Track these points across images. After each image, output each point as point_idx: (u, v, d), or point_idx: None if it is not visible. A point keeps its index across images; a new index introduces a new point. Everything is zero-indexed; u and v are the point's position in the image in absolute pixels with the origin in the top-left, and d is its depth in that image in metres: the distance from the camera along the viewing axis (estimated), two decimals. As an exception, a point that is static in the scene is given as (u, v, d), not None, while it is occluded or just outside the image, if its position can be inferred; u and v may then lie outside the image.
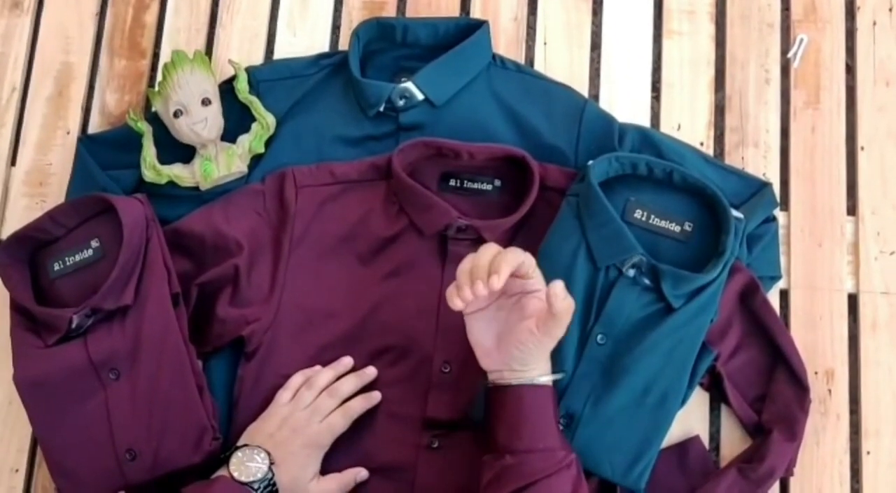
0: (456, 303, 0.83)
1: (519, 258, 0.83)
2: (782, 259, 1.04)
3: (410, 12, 1.14)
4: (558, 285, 0.83)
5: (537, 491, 0.83)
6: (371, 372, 0.97)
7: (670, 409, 0.94)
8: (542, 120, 1.05)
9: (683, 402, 0.96)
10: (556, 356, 0.92)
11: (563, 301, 0.83)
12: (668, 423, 0.94)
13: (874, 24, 1.12)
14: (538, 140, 1.04)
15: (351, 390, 0.96)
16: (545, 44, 1.12)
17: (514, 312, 0.87)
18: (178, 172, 1.03)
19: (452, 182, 1.02)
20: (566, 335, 0.92)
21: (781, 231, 1.05)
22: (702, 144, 1.08)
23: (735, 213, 0.96)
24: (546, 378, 0.87)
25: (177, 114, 1.02)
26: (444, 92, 1.04)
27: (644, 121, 1.09)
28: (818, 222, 1.06)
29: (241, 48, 1.13)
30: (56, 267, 0.98)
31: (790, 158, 1.08)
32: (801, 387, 0.97)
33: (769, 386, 0.98)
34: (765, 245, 1.02)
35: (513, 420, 0.86)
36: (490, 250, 0.84)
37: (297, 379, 0.97)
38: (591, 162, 0.97)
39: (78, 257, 0.98)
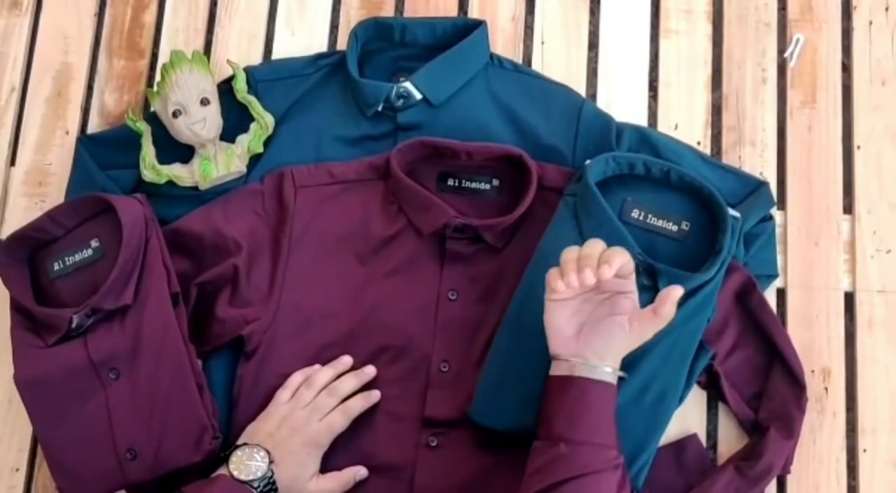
0: (559, 286, 0.83)
1: (626, 256, 0.83)
2: (779, 258, 1.04)
3: (409, 12, 1.14)
4: (678, 291, 0.84)
5: (584, 485, 0.82)
6: (370, 371, 0.97)
7: (668, 407, 0.94)
8: (540, 119, 1.05)
9: (681, 400, 0.97)
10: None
11: (673, 307, 0.84)
12: (666, 421, 0.95)
13: (870, 23, 1.12)
14: (536, 140, 1.04)
15: (350, 389, 0.96)
16: (543, 43, 1.13)
17: (602, 307, 0.87)
18: (177, 172, 1.04)
19: (450, 182, 1.02)
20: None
21: (778, 230, 1.05)
22: (699, 143, 1.09)
23: (732, 212, 0.96)
24: (610, 375, 0.86)
25: (175, 114, 1.02)
26: (443, 92, 1.05)
27: (641, 120, 1.09)
28: (815, 221, 1.06)
29: (239, 48, 1.13)
30: (56, 267, 0.98)
31: (787, 157, 1.08)
32: (797, 385, 0.97)
33: (766, 384, 0.98)
34: (762, 244, 1.02)
35: (574, 410, 0.85)
36: (597, 244, 0.84)
37: (296, 378, 0.97)
38: (588, 162, 0.97)
39: (77, 257, 0.98)
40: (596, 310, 0.87)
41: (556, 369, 0.87)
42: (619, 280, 0.85)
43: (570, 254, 0.85)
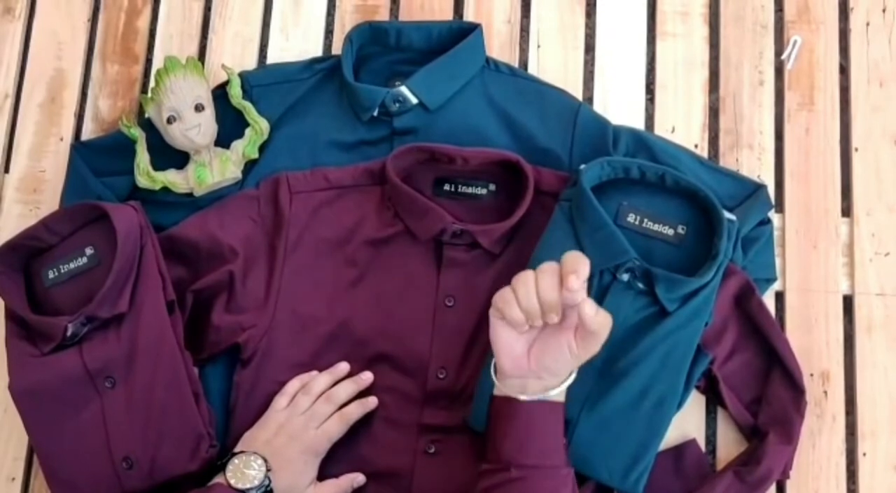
0: (517, 319, 0.83)
1: (587, 261, 0.81)
2: (777, 261, 1.04)
3: (403, 16, 1.14)
4: (588, 304, 0.81)
5: None
6: (367, 377, 0.97)
7: (667, 412, 0.94)
8: (537, 123, 1.05)
9: (680, 405, 0.96)
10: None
11: (595, 318, 0.82)
12: (665, 427, 0.94)
13: (868, 24, 1.12)
14: (532, 144, 1.04)
15: (347, 395, 0.96)
16: (539, 46, 1.12)
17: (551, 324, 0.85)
18: (172, 178, 1.03)
19: (447, 187, 1.01)
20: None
21: (776, 233, 1.05)
22: (696, 146, 1.08)
23: (728, 215, 0.96)
24: (559, 394, 0.86)
25: (170, 120, 1.02)
26: (438, 96, 1.04)
27: (638, 123, 1.09)
28: (813, 224, 1.06)
29: (233, 53, 1.13)
30: (51, 275, 0.98)
31: (785, 160, 1.08)
32: (796, 389, 0.97)
33: (765, 389, 0.98)
34: (760, 247, 1.02)
35: (522, 435, 0.85)
36: (551, 266, 0.83)
37: (293, 385, 0.96)
38: (582, 166, 0.97)
39: (72, 265, 0.98)
40: (545, 327, 0.85)
41: (506, 389, 0.86)
42: (569, 294, 0.81)
43: (525, 285, 0.82)
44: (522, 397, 0.85)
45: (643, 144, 1.04)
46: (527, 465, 0.84)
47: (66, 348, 0.95)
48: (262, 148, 1.05)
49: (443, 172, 1.01)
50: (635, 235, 0.96)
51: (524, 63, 1.12)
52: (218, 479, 0.89)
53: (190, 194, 1.03)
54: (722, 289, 0.97)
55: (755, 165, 1.08)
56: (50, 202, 1.08)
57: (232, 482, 0.88)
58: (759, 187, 1.04)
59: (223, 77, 1.06)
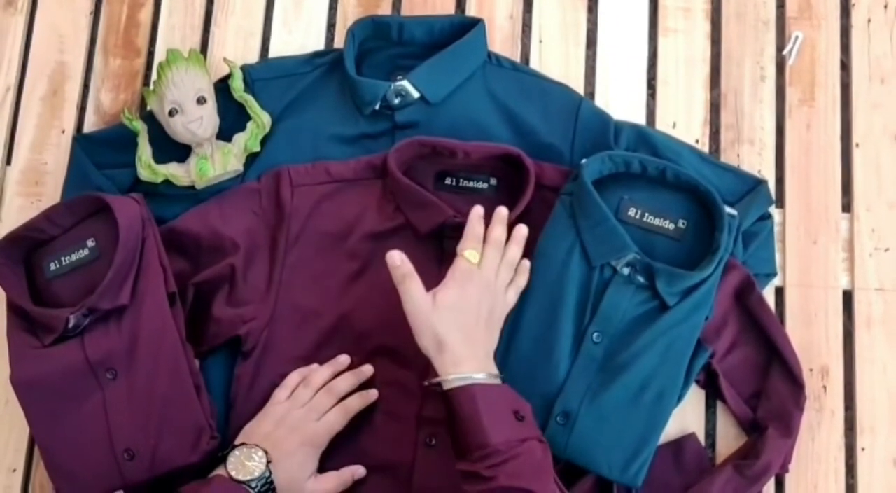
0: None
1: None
2: (777, 256, 1.04)
3: (406, 10, 1.14)
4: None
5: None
6: (367, 370, 0.97)
7: (666, 406, 0.94)
8: (538, 118, 1.05)
9: (679, 399, 0.97)
10: (552, 355, 0.93)
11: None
12: (665, 420, 0.95)
13: (869, 21, 1.12)
14: (534, 138, 1.04)
15: (348, 387, 0.96)
16: (541, 41, 1.12)
17: None
18: (174, 171, 1.03)
19: (448, 181, 1.02)
20: (562, 334, 0.93)
21: (777, 228, 1.05)
22: (697, 141, 1.08)
23: (728, 210, 0.96)
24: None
25: (172, 113, 1.02)
26: (440, 90, 1.04)
27: (640, 118, 1.09)
28: (813, 219, 1.06)
29: (236, 46, 1.13)
30: (52, 267, 0.98)
31: (785, 156, 1.08)
32: (796, 384, 0.97)
33: (764, 383, 0.98)
34: (760, 243, 1.02)
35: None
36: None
37: (293, 378, 0.97)
38: (584, 161, 0.97)
39: (74, 257, 0.98)
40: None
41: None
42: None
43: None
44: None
45: (644, 139, 1.04)
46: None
47: (68, 340, 0.95)
48: (263, 141, 1.05)
49: (444, 165, 1.01)
50: (636, 229, 0.97)
51: (526, 58, 1.12)
52: (219, 471, 0.89)
53: (191, 187, 1.03)
54: (722, 284, 0.97)
55: (756, 160, 1.08)
56: (52, 195, 1.08)
57: (233, 474, 0.88)
58: (759, 183, 1.04)
59: (225, 70, 1.06)
